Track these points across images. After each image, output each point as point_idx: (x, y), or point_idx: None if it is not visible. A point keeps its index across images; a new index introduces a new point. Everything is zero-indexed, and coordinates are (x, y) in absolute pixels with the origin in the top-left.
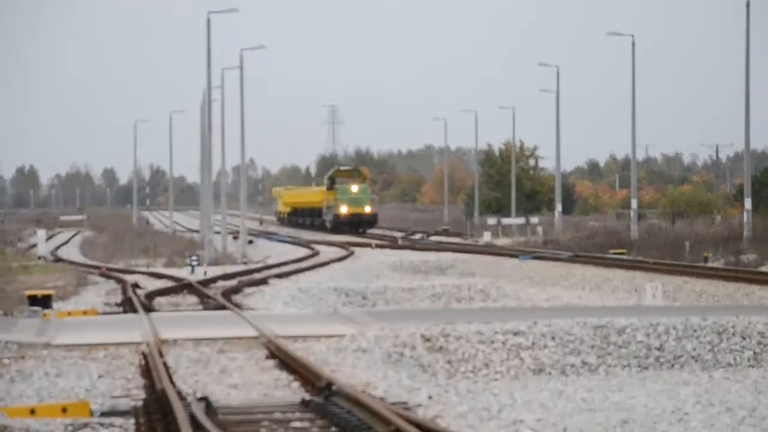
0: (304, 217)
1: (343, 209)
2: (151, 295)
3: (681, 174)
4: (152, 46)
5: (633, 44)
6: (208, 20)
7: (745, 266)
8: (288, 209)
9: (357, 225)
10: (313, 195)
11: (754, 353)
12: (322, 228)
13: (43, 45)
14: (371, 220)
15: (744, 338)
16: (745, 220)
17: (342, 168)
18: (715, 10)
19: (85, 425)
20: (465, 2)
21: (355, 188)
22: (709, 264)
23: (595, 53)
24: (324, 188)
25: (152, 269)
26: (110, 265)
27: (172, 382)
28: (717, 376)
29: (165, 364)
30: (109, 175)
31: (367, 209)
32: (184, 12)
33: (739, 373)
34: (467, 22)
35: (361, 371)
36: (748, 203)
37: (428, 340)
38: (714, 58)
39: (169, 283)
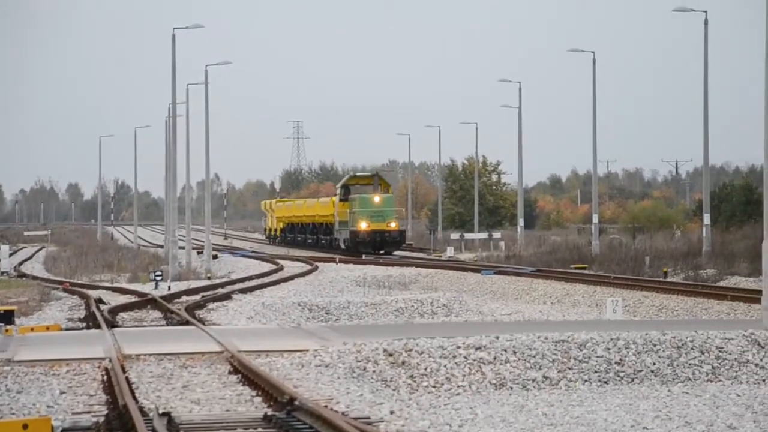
0: (304, 234)
1: (363, 225)
2: (115, 311)
3: (642, 189)
4: (117, 62)
5: (594, 61)
6: (173, 36)
7: (704, 281)
8: (281, 225)
9: (379, 245)
10: (319, 207)
11: (713, 367)
12: (331, 248)
13: (5, 60)
14: (398, 239)
15: (702, 353)
16: (704, 235)
17: (359, 174)
18: (674, 28)
19: None
20: (428, 19)
21: (377, 199)
22: (669, 279)
23: (557, 70)
24: (335, 199)
25: (116, 284)
26: (74, 281)
27: (134, 398)
28: (676, 391)
29: (127, 380)
30: (74, 190)
31: (392, 225)
32: (149, 28)
33: (698, 388)
34: (431, 39)
35: (324, 386)
36: (707, 218)
37: (391, 354)
38: (674, 75)
39: (133, 299)
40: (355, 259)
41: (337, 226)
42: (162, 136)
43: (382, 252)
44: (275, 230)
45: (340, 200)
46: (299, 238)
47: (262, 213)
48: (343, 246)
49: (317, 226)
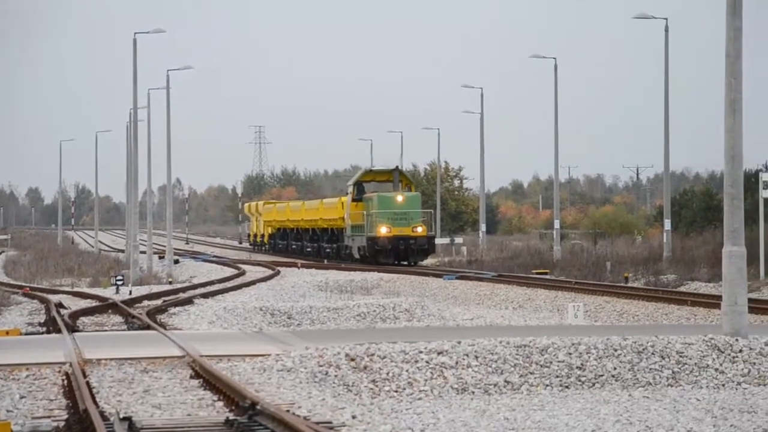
0: (301, 242)
1: (383, 230)
2: (75, 315)
3: (603, 195)
4: (78, 66)
5: (555, 67)
6: (135, 41)
7: (665, 286)
8: (270, 230)
9: (404, 254)
10: (323, 210)
11: (673, 372)
12: (339, 257)
13: None
14: (425, 247)
15: (663, 357)
16: (664, 240)
17: (375, 169)
18: (635, 35)
19: None
20: (390, 24)
21: (400, 198)
22: (630, 284)
23: (519, 75)
24: (345, 199)
25: (77, 289)
26: (34, 285)
27: (95, 402)
28: (637, 395)
29: (88, 384)
30: (34, 194)
31: (419, 230)
32: (111, 32)
33: (658, 392)
34: (393, 44)
35: (286, 391)
36: (667, 224)
37: (353, 359)
38: (635, 81)
39: (94, 303)
40: (317, 264)
41: (348, 231)
42: (123, 140)
43: (410, 263)
44: (262, 236)
45: (353, 200)
46: (294, 246)
47: (225, 217)
48: (357, 255)
49: (319, 231)
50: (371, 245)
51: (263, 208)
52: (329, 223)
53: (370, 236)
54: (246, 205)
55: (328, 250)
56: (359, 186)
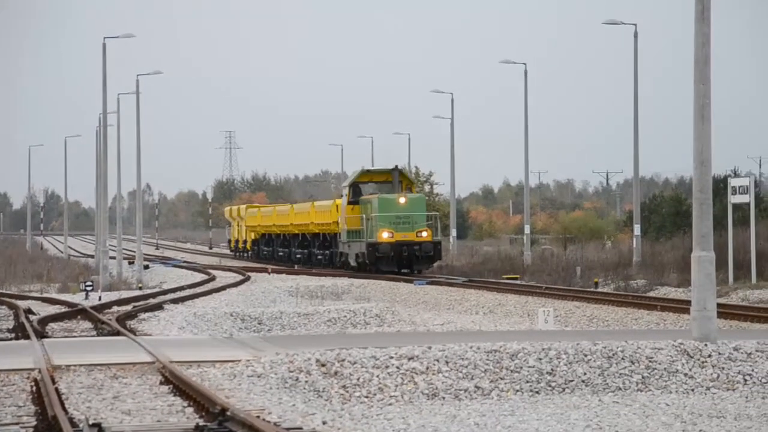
0: (288, 248)
1: (384, 234)
2: (44, 321)
3: (573, 200)
4: (47, 70)
5: (525, 72)
6: (104, 45)
7: (634, 291)
8: (253, 235)
9: (407, 262)
10: (314, 214)
11: (643, 377)
12: (332, 265)
13: None
14: (431, 254)
15: (633, 362)
16: (634, 245)
17: (373, 169)
18: (605, 41)
19: None
20: (360, 30)
21: (402, 200)
22: (600, 289)
23: (489, 81)
24: (340, 202)
25: (46, 294)
26: (2, 291)
27: (64, 409)
28: (606, 400)
29: (57, 391)
30: (2, 199)
31: (424, 234)
32: (81, 36)
33: (628, 397)
34: (363, 49)
35: (256, 396)
36: (637, 229)
37: (323, 365)
38: (604, 87)
39: (63, 309)
40: (288, 270)
41: (344, 237)
42: (93, 145)
43: (414, 271)
44: (244, 242)
45: (349, 203)
46: (281, 253)
47: (195, 222)
48: (354, 263)
49: (310, 237)
50: (371, 252)
51: (246, 213)
52: (321, 227)
53: (371, 242)
54: (227, 209)
55: (320, 257)
56: (355, 187)
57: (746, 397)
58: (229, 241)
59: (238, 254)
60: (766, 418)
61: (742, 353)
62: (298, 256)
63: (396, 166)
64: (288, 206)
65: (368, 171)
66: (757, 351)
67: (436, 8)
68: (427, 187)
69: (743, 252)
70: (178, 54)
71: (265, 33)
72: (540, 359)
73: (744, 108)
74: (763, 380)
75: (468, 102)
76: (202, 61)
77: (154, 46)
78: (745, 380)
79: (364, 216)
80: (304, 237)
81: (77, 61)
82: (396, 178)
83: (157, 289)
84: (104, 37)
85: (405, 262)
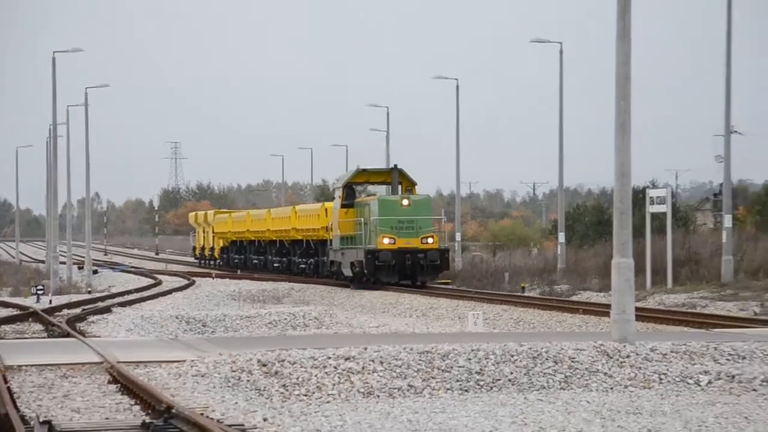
0: (264, 256)
1: (385, 240)
2: None
3: (502, 209)
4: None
5: (457, 87)
6: (54, 59)
7: (558, 295)
8: (222, 243)
9: (411, 272)
10: (299, 218)
11: (565, 376)
12: (317, 274)
13: None
14: (437, 263)
15: (556, 362)
16: (559, 252)
17: (370, 168)
18: (533, 56)
19: None
20: (301, 44)
21: (405, 202)
22: (526, 293)
23: (424, 95)
24: (329, 206)
25: None
26: None
27: (15, 407)
28: (531, 398)
29: (9, 390)
30: None
31: (430, 241)
32: (31, 49)
33: (552, 395)
34: (303, 65)
35: (200, 395)
36: (561, 237)
37: (264, 365)
38: (531, 101)
39: (15, 312)
40: (231, 274)
41: (336, 243)
42: (44, 155)
43: (419, 283)
44: (211, 249)
45: (342, 206)
46: (256, 261)
47: (142, 229)
48: (348, 272)
49: (289, 244)
50: (370, 260)
51: (214, 219)
52: (306, 234)
53: (369, 249)
54: (191, 214)
55: (302, 265)
56: (349, 189)
57: (661, 395)
58: (194, 249)
59: (204, 262)
60: (679, 415)
61: (657, 354)
62: (276, 264)
63: (395, 166)
64: (264, 211)
65: (365, 170)
66: (671, 352)
67: (374, 25)
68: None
69: (660, 259)
70: (126, 66)
71: (209, 50)
72: (469, 359)
73: (662, 123)
74: (677, 379)
75: (404, 115)
76: (148, 73)
77: (101, 58)
78: (660, 379)
79: (361, 220)
80: (282, 244)
81: (30, 72)
82: (395, 179)
83: (105, 293)
84: (54, 52)
85: (409, 272)
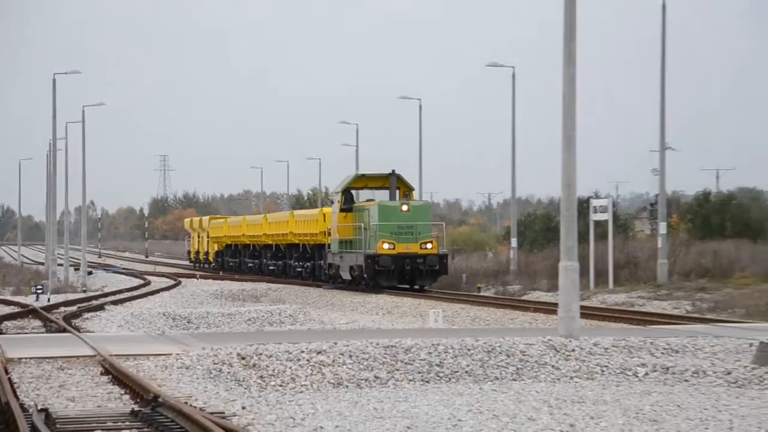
0: (259, 259)
1: (385, 246)
2: None
3: (460, 217)
4: (4, 100)
5: (420, 107)
6: (54, 81)
7: (511, 295)
8: (216, 247)
9: (410, 277)
10: (297, 223)
11: (517, 369)
12: (313, 277)
13: None
14: (436, 268)
15: (508, 356)
16: (511, 256)
17: (368, 173)
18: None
19: None
20: (278, 67)
21: (405, 207)
22: (482, 293)
23: (389, 114)
24: (327, 210)
25: (1, 297)
26: None
27: (15, 396)
28: (486, 388)
29: (10, 380)
30: None
31: (429, 246)
32: (33, 69)
33: (504, 386)
34: (280, 87)
35: (185, 385)
36: (514, 242)
37: (243, 358)
38: (487, 120)
39: (16, 309)
40: (214, 275)
41: (334, 247)
42: (44, 166)
43: (417, 287)
44: (206, 254)
45: (341, 210)
46: (251, 264)
47: (133, 234)
48: (347, 276)
49: (285, 248)
50: (370, 265)
51: (210, 224)
52: (303, 238)
53: (369, 254)
54: (186, 220)
55: (299, 269)
56: (347, 194)
57: (603, 385)
58: (188, 252)
59: (198, 265)
60: (619, 403)
61: (600, 348)
62: (272, 267)
63: (393, 171)
64: (261, 216)
65: (363, 175)
66: (612, 346)
67: (348, 49)
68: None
69: (602, 262)
70: (121, 87)
71: (192, 74)
72: (430, 353)
73: (604, 139)
74: (617, 371)
75: (371, 131)
76: (141, 93)
77: (99, 79)
78: (602, 371)
79: (362, 225)
80: (278, 248)
81: (33, 90)
82: (393, 184)
83: (99, 292)
84: (54, 73)
85: (408, 277)
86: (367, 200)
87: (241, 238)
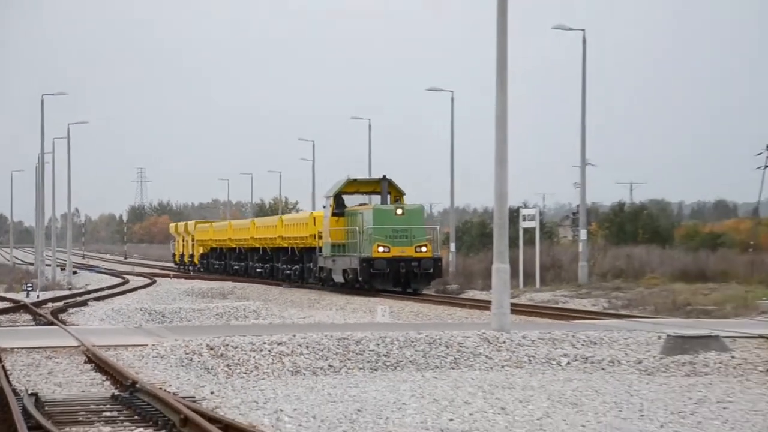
0: (245, 262)
1: (380, 249)
2: None
3: None
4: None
5: (370, 126)
6: (42, 101)
7: (450, 293)
8: (201, 250)
9: (404, 279)
10: (286, 227)
11: (455, 359)
12: (304, 279)
13: None
14: (431, 271)
15: (447, 347)
16: (450, 259)
17: (360, 178)
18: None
19: None
20: (241, 82)
21: (399, 211)
22: (425, 292)
23: (344, 131)
24: (318, 215)
25: None
26: None
27: (8, 382)
28: (428, 376)
29: (3, 368)
30: None
31: (423, 249)
32: (22, 91)
33: (444, 374)
34: (247, 102)
35: (160, 373)
36: (453, 247)
37: (212, 348)
38: (428, 139)
39: (8, 305)
40: (185, 275)
41: (326, 251)
42: (33, 177)
43: (411, 290)
44: (191, 256)
45: (333, 214)
46: (237, 267)
47: (113, 238)
48: (340, 279)
49: (271, 251)
50: (365, 268)
51: (195, 228)
52: (292, 241)
53: (364, 257)
54: (172, 225)
55: (288, 272)
56: (338, 198)
57: (530, 373)
58: (173, 255)
59: (183, 268)
60: (545, 389)
61: (528, 340)
62: (258, 270)
63: (384, 176)
64: (248, 221)
65: (354, 180)
66: (539, 339)
67: (307, 69)
68: (294, 213)
69: (530, 264)
70: (101, 107)
71: (165, 91)
72: (378, 344)
73: (532, 156)
74: (543, 360)
75: (327, 148)
76: (120, 110)
77: (83, 98)
78: (530, 360)
79: (356, 228)
80: (265, 251)
81: (22, 107)
82: (384, 189)
83: (83, 290)
84: (42, 94)
85: (403, 280)
86: (360, 204)
87: (226, 241)
